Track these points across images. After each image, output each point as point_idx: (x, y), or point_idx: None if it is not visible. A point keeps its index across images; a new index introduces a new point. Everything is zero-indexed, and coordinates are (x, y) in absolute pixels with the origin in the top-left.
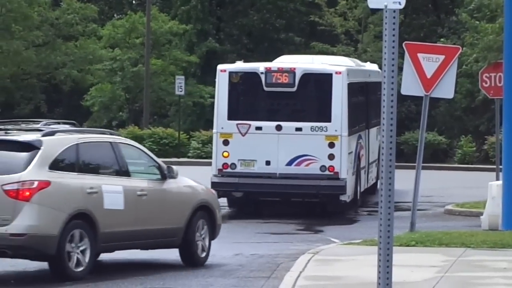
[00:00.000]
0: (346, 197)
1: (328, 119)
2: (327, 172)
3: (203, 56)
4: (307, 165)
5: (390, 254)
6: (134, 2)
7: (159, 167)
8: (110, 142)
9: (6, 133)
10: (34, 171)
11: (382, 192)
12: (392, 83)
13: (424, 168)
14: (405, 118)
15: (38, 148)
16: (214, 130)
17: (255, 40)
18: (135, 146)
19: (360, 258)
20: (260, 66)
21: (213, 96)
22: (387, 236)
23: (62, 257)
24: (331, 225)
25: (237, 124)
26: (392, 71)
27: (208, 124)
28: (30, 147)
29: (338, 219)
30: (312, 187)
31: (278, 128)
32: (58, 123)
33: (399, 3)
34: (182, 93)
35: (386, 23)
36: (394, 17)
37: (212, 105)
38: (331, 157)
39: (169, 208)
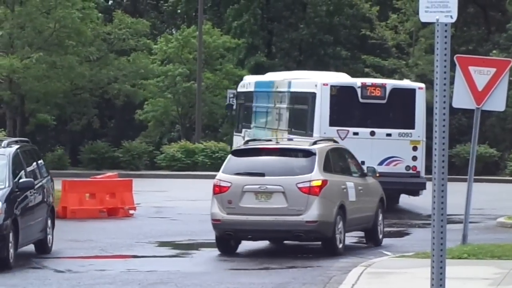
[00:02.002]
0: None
1: (412, 127)
2: (410, 171)
3: (252, 70)
4: (395, 165)
5: (443, 266)
6: (185, 16)
7: (360, 167)
8: (341, 148)
9: (277, 142)
10: (318, 172)
11: (434, 205)
12: (444, 96)
13: (475, 180)
14: (456, 131)
15: (314, 154)
16: (316, 135)
17: (304, 54)
18: (347, 150)
19: (412, 271)
20: (357, 82)
21: None
22: (440, 249)
23: (334, 239)
24: (383, 238)
25: (337, 130)
26: (444, 84)
27: None
28: (309, 153)
29: (390, 232)
30: (399, 183)
31: (372, 133)
32: (16, 141)
33: (451, 16)
34: (234, 106)
35: (437, 37)
36: (445, 31)
37: None
38: (414, 158)
39: (370, 198)
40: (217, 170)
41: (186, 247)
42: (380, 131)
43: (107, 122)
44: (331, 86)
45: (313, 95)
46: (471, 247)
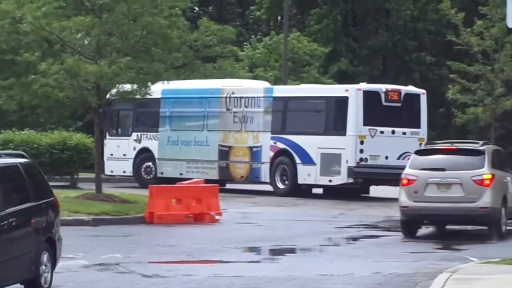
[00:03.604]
0: None
1: (419, 126)
2: None
3: (335, 77)
4: (408, 159)
5: None
6: (272, 24)
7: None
8: (498, 148)
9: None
10: (488, 168)
11: None
12: None
13: None
14: None
15: (484, 153)
16: (352, 133)
17: (387, 61)
18: (502, 150)
19: (499, 277)
20: (382, 87)
21: None
22: None
23: (500, 223)
24: (469, 244)
25: (369, 129)
26: None
27: None
28: (480, 152)
29: (476, 238)
30: None
31: (393, 132)
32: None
33: None
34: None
35: None
36: None
37: None
38: None
39: None
40: None
41: (271, 253)
42: (398, 130)
43: None
44: (364, 91)
45: (344, 99)
46: None
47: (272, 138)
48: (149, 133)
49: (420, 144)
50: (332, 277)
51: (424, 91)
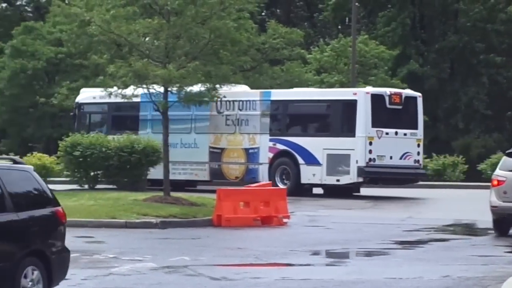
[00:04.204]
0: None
1: (417, 127)
2: (417, 164)
3: (404, 79)
4: (408, 159)
5: None
6: (340, 27)
7: None
8: None
9: None
10: None
11: None
12: None
13: None
14: None
15: None
16: (361, 135)
17: (456, 63)
18: None
19: None
20: (386, 90)
21: None
22: None
23: None
24: None
25: (376, 130)
26: None
27: None
28: None
29: None
30: (412, 174)
31: (396, 133)
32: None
33: None
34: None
35: None
36: None
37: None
38: (418, 153)
39: None
40: None
41: (340, 256)
42: (400, 131)
43: None
44: (372, 94)
45: (353, 102)
46: None
47: (271, 140)
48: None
49: (418, 145)
50: (401, 281)
51: (420, 94)
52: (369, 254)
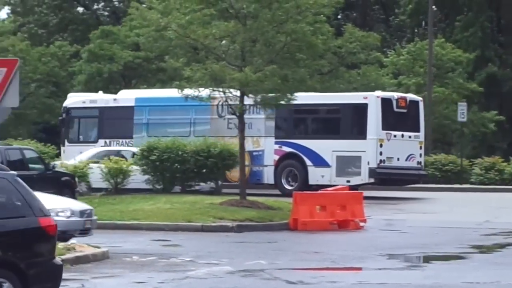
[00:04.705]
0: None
1: (418, 130)
2: (419, 166)
3: (483, 82)
4: (412, 160)
5: None
6: (416, 30)
7: None
8: None
9: None
10: None
11: None
12: None
13: None
14: None
15: None
16: (374, 137)
17: None
18: None
19: None
20: (394, 95)
21: (494, 122)
22: None
23: None
24: None
25: (385, 133)
26: None
27: (491, 150)
28: None
29: None
30: (415, 175)
31: (402, 136)
32: None
33: None
34: (464, 119)
35: None
36: None
37: (494, 131)
38: (420, 155)
39: None
40: (447, 183)
41: (417, 260)
42: (406, 134)
43: None
44: (382, 98)
45: (363, 106)
46: None
47: (276, 143)
48: (120, 140)
49: (420, 147)
50: (478, 285)
51: (421, 98)
52: (446, 258)
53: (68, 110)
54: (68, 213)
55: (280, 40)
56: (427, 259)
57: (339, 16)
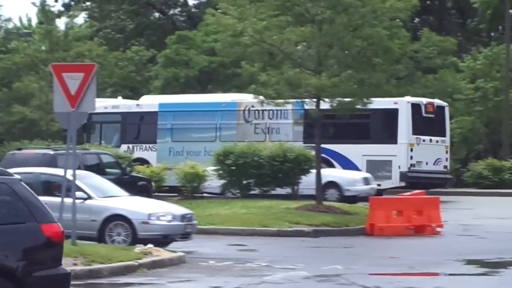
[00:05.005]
0: None
1: (445, 135)
2: (445, 170)
3: None
4: (439, 164)
5: None
6: (492, 34)
7: None
8: None
9: None
10: None
11: None
12: None
13: None
14: None
15: None
16: (404, 142)
17: None
18: None
19: None
20: (423, 100)
21: None
22: None
23: None
24: None
25: (415, 137)
26: None
27: None
28: None
29: None
30: (442, 179)
31: (430, 140)
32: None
33: None
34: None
35: None
36: None
37: None
38: (446, 159)
39: None
40: None
41: (494, 265)
42: (433, 138)
43: None
44: (412, 104)
45: (394, 111)
46: None
47: (305, 147)
48: (143, 145)
49: (446, 151)
50: None
51: (447, 104)
52: None
53: (89, 115)
54: (170, 217)
55: (356, 44)
56: (505, 264)
57: (415, 20)
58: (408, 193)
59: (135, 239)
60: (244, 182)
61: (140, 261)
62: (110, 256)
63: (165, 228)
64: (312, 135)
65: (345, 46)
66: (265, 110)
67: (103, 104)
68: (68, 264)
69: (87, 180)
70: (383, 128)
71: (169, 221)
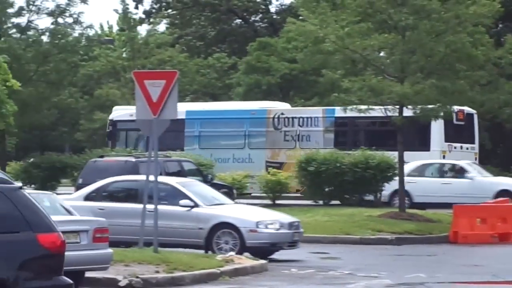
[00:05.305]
0: None
1: (474, 142)
2: None
3: None
4: None
5: None
6: None
7: None
8: None
9: None
10: None
11: None
12: None
13: None
14: None
15: None
16: (437, 149)
17: None
18: None
19: None
20: (454, 107)
21: None
22: None
23: None
24: None
25: (447, 145)
26: None
27: None
28: None
29: None
30: None
31: (461, 147)
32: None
33: None
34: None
35: None
36: None
37: None
38: None
39: None
40: None
41: None
42: (464, 145)
43: (498, 145)
44: None
45: None
46: None
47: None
48: (172, 152)
49: (475, 158)
50: None
51: (475, 111)
52: None
53: (114, 123)
54: (277, 226)
55: (439, 50)
56: None
57: (498, 26)
58: (492, 201)
59: (243, 247)
60: (326, 189)
61: (222, 269)
62: (192, 264)
63: (272, 236)
64: (344, 143)
65: (428, 53)
66: (295, 117)
67: (128, 112)
68: (150, 272)
69: (193, 188)
70: (415, 135)
71: (277, 229)
